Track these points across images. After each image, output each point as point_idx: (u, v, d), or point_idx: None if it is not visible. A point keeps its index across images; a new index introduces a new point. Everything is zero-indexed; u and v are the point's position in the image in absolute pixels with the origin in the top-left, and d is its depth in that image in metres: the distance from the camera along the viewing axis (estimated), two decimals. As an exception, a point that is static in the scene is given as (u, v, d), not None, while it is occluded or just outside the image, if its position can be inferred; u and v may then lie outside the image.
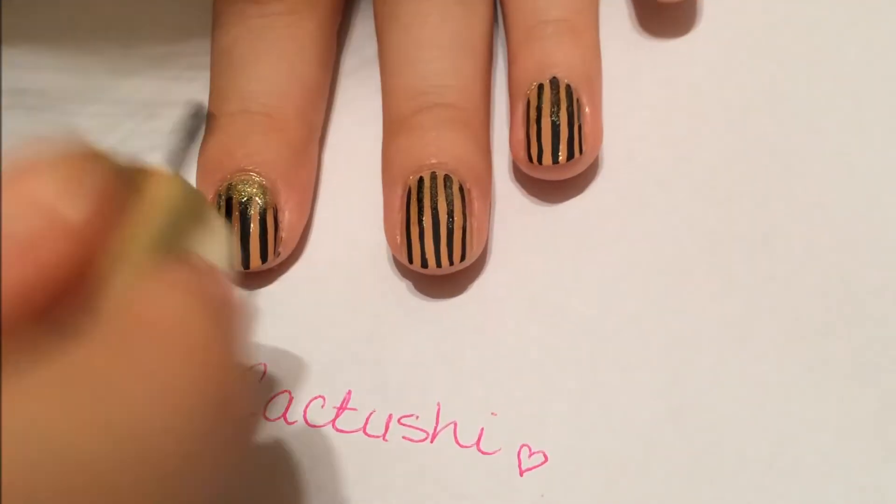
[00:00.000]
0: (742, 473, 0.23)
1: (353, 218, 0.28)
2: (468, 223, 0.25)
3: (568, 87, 0.26)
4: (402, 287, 0.26)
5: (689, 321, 0.25)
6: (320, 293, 0.27)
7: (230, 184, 0.26)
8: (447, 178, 0.25)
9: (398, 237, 0.26)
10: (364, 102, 0.30)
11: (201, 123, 0.21)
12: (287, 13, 0.28)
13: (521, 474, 0.24)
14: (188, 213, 0.18)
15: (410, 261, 0.25)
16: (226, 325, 0.17)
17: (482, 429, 0.24)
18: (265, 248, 0.26)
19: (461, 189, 0.25)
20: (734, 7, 0.30)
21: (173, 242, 0.17)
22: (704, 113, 0.28)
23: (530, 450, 0.24)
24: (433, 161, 0.26)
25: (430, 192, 0.25)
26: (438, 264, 0.25)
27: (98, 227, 0.16)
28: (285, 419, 0.25)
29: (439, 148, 0.26)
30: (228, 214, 0.26)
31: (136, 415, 0.15)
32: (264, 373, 0.25)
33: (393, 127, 0.27)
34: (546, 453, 0.24)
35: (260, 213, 0.26)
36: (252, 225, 0.26)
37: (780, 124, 0.28)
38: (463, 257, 0.25)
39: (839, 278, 0.25)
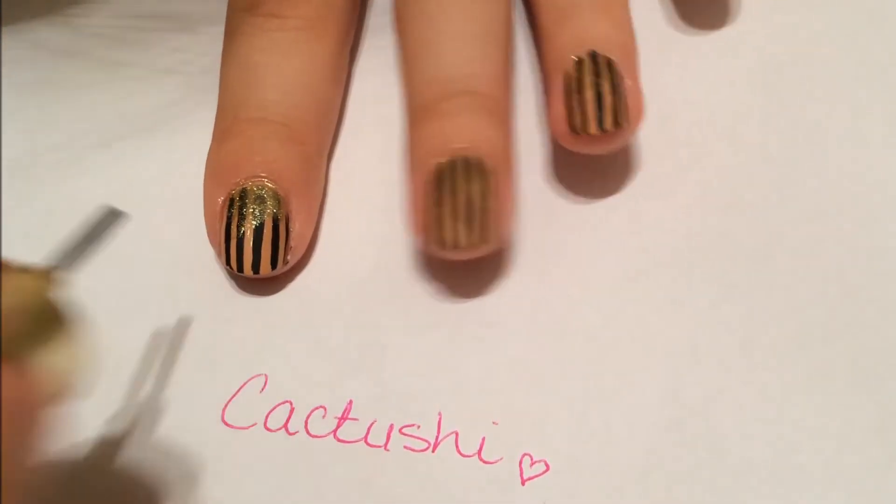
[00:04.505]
0: (744, 481, 0.23)
1: (354, 229, 0.28)
2: (495, 207, 0.25)
3: (608, 60, 0.26)
4: (403, 297, 0.27)
5: (690, 329, 0.25)
6: (321, 303, 0.27)
7: (245, 188, 0.26)
8: (474, 162, 0.25)
9: (423, 219, 0.25)
10: (368, 116, 0.30)
11: (110, 228, 0.21)
12: (307, 29, 0.28)
13: (523, 483, 0.24)
14: (38, 317, 0.17)
15: (436, 242, 0.25)
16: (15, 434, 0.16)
17: (483, 438, 0.24)
18: (276, 255, 0.26)
19: (488, 173, 0.25)
20: (735, 17, 0.30)
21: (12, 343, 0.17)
22: (704, 121, 0.28)
23: (532, 459, 0.24)
24: (461, 145, 0.25)
25: (460, 175, 0.25)
26: (465, 245, 0.25)
27: None
28: (286, 430, 0.25)
29: (467, 133, 0.26)
30: (241, 218, 0.26)
31: None
32: (265, 383, 0.25)
33: (418, 115, 0.27)
34: (548, 462, 0.24)
35: (273, 221, 0.26)
36: (265, 231, 0.26)
37: (781, 133, 0.28)
38: (489, 240, 0.25)
39: (840, 286, 0.26)
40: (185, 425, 0.25)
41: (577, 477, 0.24)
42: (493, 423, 0.25)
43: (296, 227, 0.26)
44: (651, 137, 0.28)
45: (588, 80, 0.26)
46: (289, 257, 0.26)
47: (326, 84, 0.28)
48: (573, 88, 0.26)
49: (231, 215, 0.26)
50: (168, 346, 0.26)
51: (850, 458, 0.23)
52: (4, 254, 0.28)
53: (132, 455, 0.25)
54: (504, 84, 0.27)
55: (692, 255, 0.26)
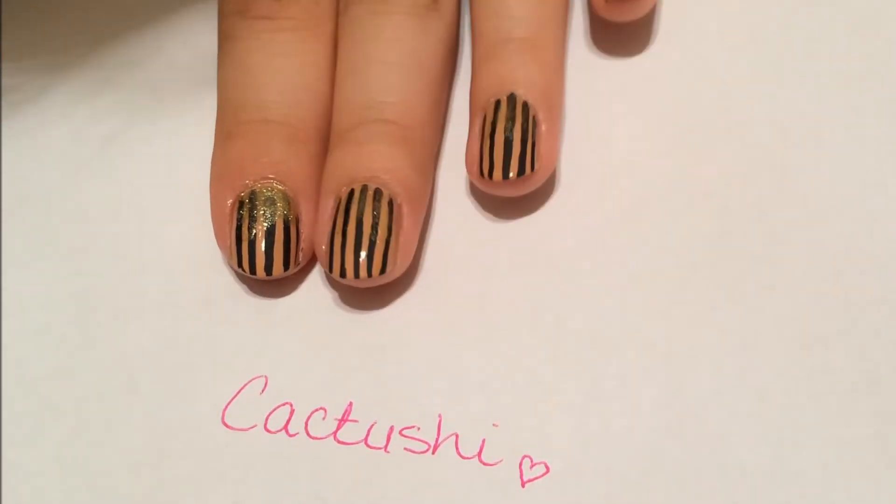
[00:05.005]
0: (743, 483, 0.23)
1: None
2: (393, 237, 0.25)
3: (525, 104, 0.26)
4: (403, 298, 0.27)
5: (689, 332, 0.25)
6: (321, 304, 0.27)
7: (254, 190, 0.26)
8: (377, 192, 0.26)
9: (324, 246, 0.26)
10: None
11: None
12: (301, 29, 0.28)
13: (523, 485, 0.24)
14: None
15: (330, 269, 0.26)
16: None
17: (483, 440, 0.24)
18: (288, 257, 0.26)
19: (391, 203, 0.26)
20: (733, 16, 0.30)
21: None
22: (703, 123, 0.28)
23: (532, 461, 0.24)
24: (366, 174, 0.26)
25: (358, 204, 0.25)
26: (356, 275, 0.25)
27: None
28: (287, 432, 0.25)
29: (374, 161, 0.26)
30: (252, 220, 0.26)
31: None
32: (266, 385, 0.26)
33: (334, 140, 0.27)
34: (548, 464, 0.24)
35: (284, 222, 0.26)
36: (277, 232, 0.26)
37: (779, 134, 0.28)
38: (383, 270, 0.25)
39: (839, 288, 0.26)
40: (185, 426, 0.25)
41: (577, 479, 0.24)
42: (494, 425, 0.25)
43: (305, 227, 0.27)
44: (649, 139, 0.28)
45: (500, 125, 0.26)
46: (300, 258, 0.26)
47: (324, 83, 0.28)
48: (485, 133, 0.26)
49: (241, 217, 0.26)
50: (168, 346, 0.26)
51: (849, 460, 0.23)
52: (4, 254, 0.28)
53: (132, 455, 0.25)
54: (423, 114, 0.27)
55: (691, 258, 0.26)
